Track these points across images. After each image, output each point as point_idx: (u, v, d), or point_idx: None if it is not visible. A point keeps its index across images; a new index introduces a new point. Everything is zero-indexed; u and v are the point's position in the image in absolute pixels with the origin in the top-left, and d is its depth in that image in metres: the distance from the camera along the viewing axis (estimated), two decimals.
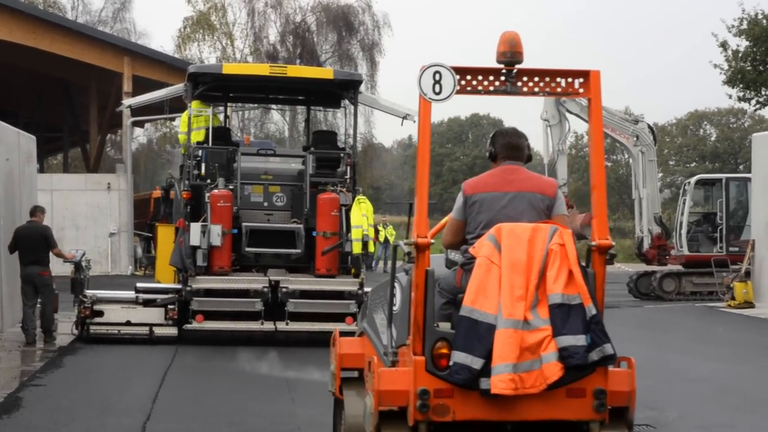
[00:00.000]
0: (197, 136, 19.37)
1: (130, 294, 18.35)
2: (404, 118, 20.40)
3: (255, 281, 18.13)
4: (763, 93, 38.98)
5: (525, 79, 6.80)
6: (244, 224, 18.48)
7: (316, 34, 58.42)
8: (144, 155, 76.29)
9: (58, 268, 19.05)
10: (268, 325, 17.91)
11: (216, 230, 17.70)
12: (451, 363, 6.47)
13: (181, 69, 32.15)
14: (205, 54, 58.28)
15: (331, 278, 18.40)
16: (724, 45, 38.21)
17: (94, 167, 45.74)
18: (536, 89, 6.81)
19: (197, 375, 15.20)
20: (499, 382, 6.32)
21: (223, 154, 19.09)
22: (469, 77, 6.76)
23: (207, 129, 19.36)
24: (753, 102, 39.85)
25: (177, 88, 21.58)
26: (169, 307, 17.96)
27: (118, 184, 37.98)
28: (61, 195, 36.04)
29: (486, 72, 6.79)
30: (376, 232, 38.98)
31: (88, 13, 67.19)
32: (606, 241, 6.70)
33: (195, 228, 17.71)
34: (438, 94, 6.57)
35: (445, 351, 6.52)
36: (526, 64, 6.84)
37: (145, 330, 17.87)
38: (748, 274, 26.49)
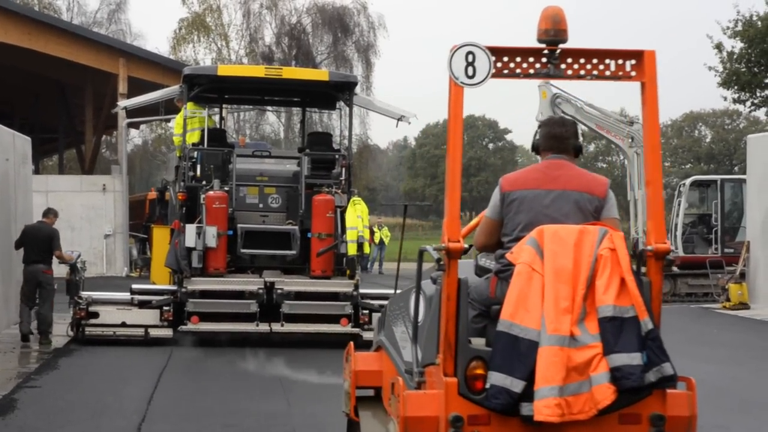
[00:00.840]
0: (192, 138, 19.38)
1: (126, 295, 18.36)
2: (399, 119, 20.40)
3: (250, 283, 18.14)
4: (758, 95, 39.05)
5: (569, 60, 6.06)
6: (239, 226, 18.50)
7: (311, 36, 58.51)
8: (139, 157, 76.31)
9: (54, 269, 19.03)
10: (264, 327, 17.92)
11: (211, 232, 17.72)
12: (487, 385, 5.72)
13: (176, 70, 32.21)
14: (200, 55, 58.35)
15: (326, 280, 18.42)
16: (719, 47, 38.28)
17: (89, 168, 45.68)
18: (582, 72, 6.07)
19: (192, 376, 15.21)
20: (544, 407, 5.56)
21: (218, 156, 19.10)
22: (506, 59, 5.98)
23: (202, 130, 19.36)
24: (748, 104, 39.93)
25: (172, 89, 21.59)
26: (165, 308, 17.96)
27: (113, 185, 37.93)
28: (56, 196, 35.90)
29: (526, 53, 6.02)
30: (372, 233, 39.00)
31: (83, 15, 67.30)
32: (663, 245, 5.95)
33: (190, 229, 17.72)
34: (471, 77, 5.83)
35: (480, 372, 5.77)
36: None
37: (140, 331, 17.87)
38: (743, 275, 26.52)
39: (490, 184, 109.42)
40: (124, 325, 17.92)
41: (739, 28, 37.86)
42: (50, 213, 18.42)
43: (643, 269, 5.94)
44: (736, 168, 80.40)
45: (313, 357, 16.69)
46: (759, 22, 37.60)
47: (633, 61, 6.11)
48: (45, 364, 15.57)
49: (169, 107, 27.49)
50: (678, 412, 5.86)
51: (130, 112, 32.59)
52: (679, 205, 31.09)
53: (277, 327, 17.94)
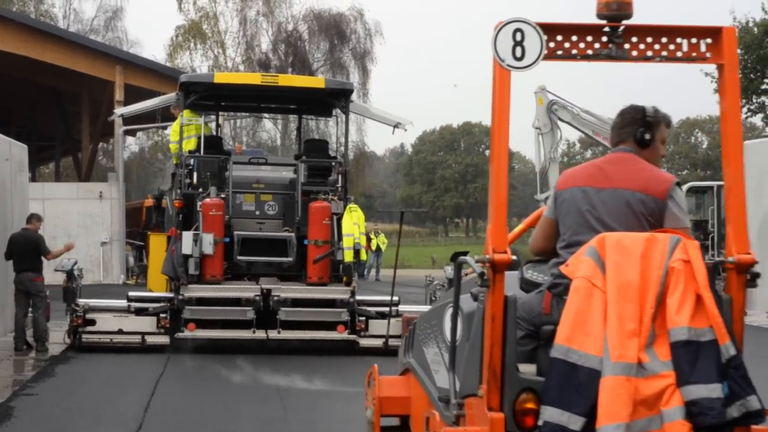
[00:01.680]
0: (189, 145, 19.38)
1: (122, 303, 18.33)
2: (395, 126, 20.42)
3: (247, 290, 18.14)
4: (754, 101, 39.12)
5: (635, 39, 5.21)
6: (236, 233, 18.50)
7: (308, 43, 58.54)
8: (136, 164, 76.37)
9: (50, 276, 19.02)
10: (260, 334, 17.92)
11: (208, 239, 17.72)
12: (539, 422, 4.89)
13: (173, 78, 32.21)
14: (196, 63, 58.41)
15: (323, 286, 18.41)
16: None
17: (86, 176, 45.71)
18: (649, 53, 5.23)
19: (189, 383, 15.20)
20: None
21: (214, 163, 19.11)
22: (559, 37, 5.17)
23: (198, 138, 19.37)
24: (744, 110, 39.97)
25: (169, 97, 21.61)
26: (161, 315, 17.95)
27: (110, 192, 37.96)
28: (52, 204, 35.98)
29: (583, 30, 5.21)
30: (368, 240, 39.03)
31: (79, 22, 67.33)
32: (747, 255, 5.07)
33: (187, 237, 17.73)
34: (520, 59, 5.00)
35: (531, 406, 4.95)
36: None
37: (137, 338, 17.86)
38: None
39: (487, 190, 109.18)
40: (120, 332, 17.91)
41: (735, 34, 37.96)
42: (33, 218, 18.31)
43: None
44: None
45: (310, 364, 16.69)
46: (755, 29, 37.69)
47: (709, 40, 5.30)
48: (41, 372, 15.55)
49: (166, 114, 27.50)
50: None
51: (127, 120, 32.63)
52: None
53: (273, 334, 17.94)
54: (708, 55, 5.31)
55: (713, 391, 4.72)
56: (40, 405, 12.91)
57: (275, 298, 17.90)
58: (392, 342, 17.85)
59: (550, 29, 5.12)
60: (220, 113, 23.97)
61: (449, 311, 5.87)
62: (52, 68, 37.98)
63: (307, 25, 58.50)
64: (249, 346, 18.18)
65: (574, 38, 5.21)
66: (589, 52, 5.22)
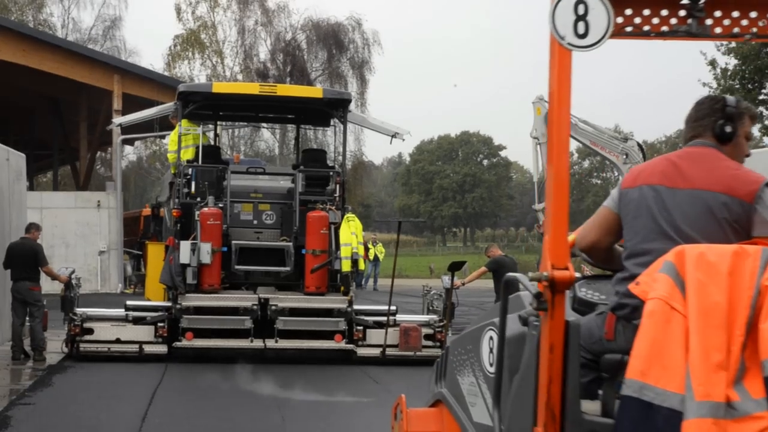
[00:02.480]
0: (187, 155, 19.40)
1: (120, 312, 18.33)
2: (393, 136, 20.45)
3: (244, 299, 18.15)
4: None
5: (718, 14, 4.51)
6: (233, 242, 18.53)
7: (306, 52, 58.59)
8: (134, 173, 76.42)
9: (48, 285, 19.03)
10: (258, 343, 17.93)
11: (206, 248, 17.74)
12: None
13: (171, 87, 32.23)
14: (195, 72, 58.49)
15: (321, 296, 18.42)
16: (713, 63, 38.37)
17: (83, 185, 45.70)
18: (736, 29, 4.53)
19: (187, 392, 15.18)
20: None
21: (212, 173, 19.15)
22: (629, 12, 4.46)
23: (196, 147, 19.39)
24: None
25: (167, 106, 21.64)
26: (159, 324, 17.97)
27: (107, 201, 37.95)
28: (50, 213, 36.00)
29: (658, 3, 4.48)
30: (366, 249, 39.01)
31: (78, 31, 67.41)
32: None
33: (185, 246, 17.74)
34: (583, 37, 4.11)
35: None
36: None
37: (134, 348, 17.86)
38: None
39: (484, 200, 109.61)
40: (118, 341, 17.92)
41: (733, 44, 37.98)
42: (32, 227, 18.35)
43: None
44: None
45: (308, 373, 16.70)
46: None
47: None
48: (39, 381, 15.54)
49: (164, 124, 27.55)
50: None
51: (125, 129, 32.62)
52: None
53: (271, 343, 17.95)
54: None
55: None
56: (38, 414, 12.89)
57: (273, 307, 17.92)
58: (389, 351, 17.94)
59: (618, 1, 4.30)
60: (218, 123, 23.99)
61: (487, 335, 5.19)
62: (51, 77, 38.00)
63: (305, 34, 58.57)
64: (246, 355, 18.17)
65: (647, 12, 4.49)
66: (665, 28, 4.49)
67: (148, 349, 17.87)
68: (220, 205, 18.36)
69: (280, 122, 36.12)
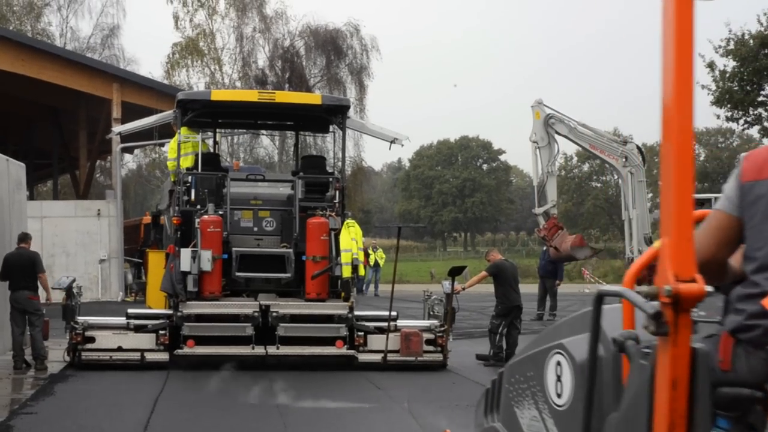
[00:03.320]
0: (186, 162, 19.42)
1: (122, 320, 18.34)
2: (392, 142, 20.44)
3: (245, 306, 18.16)
4: (750, 112, 39.11)
5: None
6: (234, 249, 18.55)
7: (304, 59, 58.55)
8: (134, 181, 76.43)
9: (46, 294, 19.03)
10: (259, 350, 17.94)
11: (206, 256, 17.75)
12: None
13: (170, 95, 32.26)
14: (193, 79, 58.45)
15: (321, 302, 18.43)
16: (711, 65, 38.36)
17: (83, 194, 45.73)
18: None
19: (189, 400, 15.17)
20: None
21: (212, 180, 19.17)
22: None
23: (196, 155, 19.41)
24: (741, 122, 39.97)
25: (166, 114, 21.64)
26: (160, 332, 17.97)
27: (107, 210, 37.94)
28: (51, 222, 36.00)
29: None
30: (366, 255, 39.01)
31: (76, 40, 67.43)
32: None
33: (185, 254, 17.76)
34: None
35: None
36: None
37: (136, 355, 17.86)
38: None
39: (484, 205, 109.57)
40: (120, 349, 17.92)
41: (731, 46, 37.96)
42: (27, 238, 18.38)
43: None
44: None
45: (309, 379, 16.69)
46: (751, 41, 37.70)
47: None
48: (41, 390, 15.53)
49: (163, 132, 27.55)
50: None
51: (124, 137, 32.61)
52: None
53: (272, 350, 17.96)
54: None
55: None
56: (40, 424, 12.89)
57: (274, 314, 17.92)
58: (391, 357, 17.95)
59: None
60: (218, 130, 24.01)
61: (553, 359, 4.41)
62: (50, 86, 38.02)
63: (303, 41, 58.54)
64: (248, 362, 18.17)
65: None
66: None
67: (149, 357, 17.87)
68: (220, 213, 18.38)
69: (279, 129, 36.07)
